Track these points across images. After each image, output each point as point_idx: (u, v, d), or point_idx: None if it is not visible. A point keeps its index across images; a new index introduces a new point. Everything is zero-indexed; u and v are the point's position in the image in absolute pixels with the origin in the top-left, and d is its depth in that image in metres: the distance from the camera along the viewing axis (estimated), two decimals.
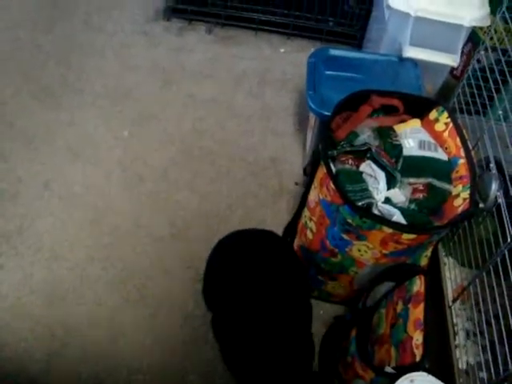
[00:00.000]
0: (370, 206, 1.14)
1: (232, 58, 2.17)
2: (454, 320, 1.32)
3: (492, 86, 1.40)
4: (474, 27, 1.60)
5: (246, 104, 1.99)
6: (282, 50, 2.23)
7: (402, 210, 1.15)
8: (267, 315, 1.12)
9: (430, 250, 1.30)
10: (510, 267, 1.06)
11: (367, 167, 1.21)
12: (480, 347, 1.25)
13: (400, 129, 1.31)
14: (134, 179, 1.73)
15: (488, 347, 1.19)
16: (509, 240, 1.06)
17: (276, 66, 2.15)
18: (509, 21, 1.34)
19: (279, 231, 1.47)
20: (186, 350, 1.40)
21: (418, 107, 1.34)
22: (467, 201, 1.14)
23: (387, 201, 1.17)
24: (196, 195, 1.71)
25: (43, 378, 1.35)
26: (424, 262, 1.32)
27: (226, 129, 1.90)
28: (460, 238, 1.36)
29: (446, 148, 1.28)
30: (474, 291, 1.25)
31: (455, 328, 1.31)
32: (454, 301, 1.33)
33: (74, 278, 1.51)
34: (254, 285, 1.22)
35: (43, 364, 1.37)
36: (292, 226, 1.47)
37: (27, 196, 1.66)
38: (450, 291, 1.37)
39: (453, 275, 1.40)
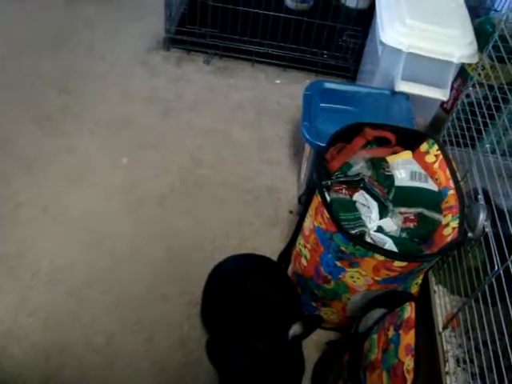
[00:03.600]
0: (362, 234, 1.18)
1: (229, 88, 2.22)
2: (445, 347, 1.34)
3: (480, 121, 1.46)
4: (463, 64, 1.66)
5: (242, 134, 2.04)
6: (278, 82, 2.29)
7: (394, 239, 1.19)
8: (260, 337, 1.15)
9: (421, 277, 1.33)
10: (497, 295, 1.09)
11: (360, 197, 1.25)
12: (470, 374, 1.28)
13: (392, 160, 1.36)
14: (132, 205, 1.76)
15: (477, 374, 1.22)
16: (496, 268, 1.10)
17: (272, 96, 2.21)
18: (494, 58, 1.40)
19: (273, 258, 1.50)
20: (181, 373, 1.42)
21: (409, 139, 1.39)
22: (456, 230, 1.18)
23: (379, 229, 1.21)
24: (192, 222, 1.74)
25: None
26: (415, 289, 1.35)
27: (223, 158, 1.94)
28: (450, 267, 1.40)
29: (436, 179, 1.32)
30: (463, 318, 1.28)
31: (446, 355, 1.33)
32: (444, 328, 1.36)
33: (70, 302, 1.52)
34: (249, 307, 1.25)
35: None
36: (287, 253, 1.50)
37: (26, 220, 1.68)
38: (440, 318, 1.40)
39: (443, 303, 1.43)
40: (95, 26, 2.42)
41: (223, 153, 1.96)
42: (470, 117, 1.50)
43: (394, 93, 1.68)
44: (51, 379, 1.39)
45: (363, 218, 1.21)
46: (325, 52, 2.29)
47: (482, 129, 1.45)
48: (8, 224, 1.67)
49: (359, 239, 1.15)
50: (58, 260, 1.60)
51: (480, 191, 1.30)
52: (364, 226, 1.19)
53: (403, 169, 1.32)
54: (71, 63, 2.23)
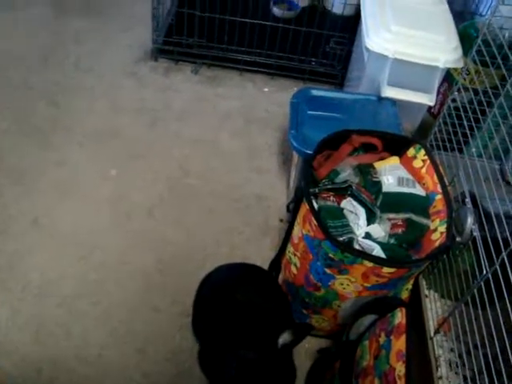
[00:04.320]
0: (351, 240, 1.18)
1: (217, 97, 2.23)
2: (436, 351, 1.34)
3: (466, 125, 1.47)
4: (449, 68, 1.67)
5: (231, 142, 2.04)
6: (266, 90, 2.30)
7: (382, 245, 1.19)
8: (251, 346, 1.15)
9: (411, 282, 1.33)
10: (486, 298, 1.10)
11: (348, 204, 1.25)
12: (462, 378, 1.28)
13: (379, 166, 1.36)
14: (122, 216, 1.76)
15: (469, 378, 1.22)
16: (484, 272, 1.10)
17: (260, 105, 2.21)
18: (478, 63, 1.41)
19: (265, 267, 1.50)
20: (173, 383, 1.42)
21: (396, 145, 1.39)
22: (444, 234, 1.19)
23: (367, 236, 1.21)
24: (182, 232, 1.74)
25: None
26: (405, 294, 1.35)
27: (212, 167, 1.94)
28: (440, 271, 1.40)
29: (424, 184, 1.33)
30: (454, 323, 1.28)
31: (438, 359, 1.33)
32: (436, 332, 1.36)
33: (61, 314, 1.51)
34: (239, 317, 1.24)
35: None
36: (277, 262, 1.50)
37: (16, 233, 1.68)
38: (431, 323, 1.40)
39: (434, 307, 1.43)
40: (83, 38, 2.42)
41: (212, 162, 1.96)
42: (456, 121, 1.51)
43: (380, 99, 1.69)
44: None
45: (351, 224, 1.22)
46: (312, 59, 2.30)
47: (468, 133, 1.46)
48: None
49: (347, 246, 1.15)
50: (49, 272, 1.60)
51: (467, 195, 1.31)
52: (352, 232, 1.19)
53: (390, 174, 1.33)
54: (60, 75, 2.23)
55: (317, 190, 1.27)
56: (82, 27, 2.48)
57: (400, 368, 1.08)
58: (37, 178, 1.84)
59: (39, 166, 1.88)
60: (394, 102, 1.68)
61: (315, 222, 1.17)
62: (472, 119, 1.44)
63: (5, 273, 1.58)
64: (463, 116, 1.45)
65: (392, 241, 1.23)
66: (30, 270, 1.60)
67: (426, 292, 1.47)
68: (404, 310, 1.18)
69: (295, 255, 1.34)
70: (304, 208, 1.24)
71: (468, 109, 1.44)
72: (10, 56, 2.29)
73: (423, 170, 1.35)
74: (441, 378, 1.31)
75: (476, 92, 1.44)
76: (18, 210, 1.74)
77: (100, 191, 1.82)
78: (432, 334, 1.37)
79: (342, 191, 1.28)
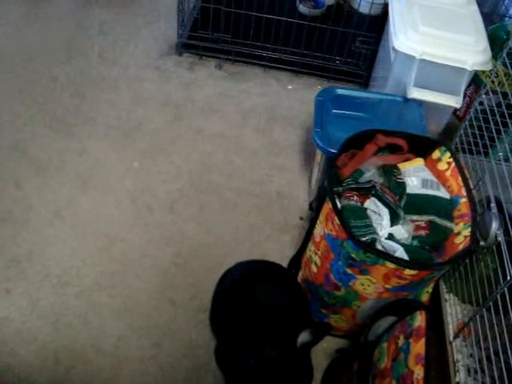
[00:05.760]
0: (373, 241, 1.17)
1: (241, 93, 2.22)
2: (455, 356, 1.33)
3: (493, 128, 1.44)
4: (477, 71, 1.65)
5: (253, 139, 2.04)
6: (290, 87, 2.29)
7: (405, 246, 1.17)
8: (269, 343, 1.14)
9: (432, 285, 1.32)
10: (509, 304, 1.08)
11: (371, 204, 1.24)
12: None
13: (404, 167, 1.35)
14: (143, 209, 1.77)
15: None
16: (508, 278, 1.09)
17: (283, 102, 2.21)
18: (508, 66, 1.38)
19: (284, 264, 1.49)
20: (188, 378, 1.42)
21: (421, 147, 1.38)
22: (468, 238, 1.17)
23: (390, 237, 1.20)
24: (202, 227, 1.74)
25: None
26: (425, 297, 1.34)
27: (234, 163, 1.94)
28: (461, 275, 1.38)
29: (449, 187, 1.31)
30: (474, 328, 1.26)
31: (456, 364, 1.32)
32: (455, 337, 1.35)
33: (80, 305, 1.53)
34: (258, 314, 1.24)
35: None
36: (297, 259, 1.50)
37: (38, 223, 1.69)
38: (451, 327, 1.38)
39: (454, 311, 1.41)
40: (108, 30, 2.44)
41: (234, 158, 1.96)
42: (483, 124, 1.48)
43: (406, 99, 1.67)
44: (60, 381, 1.39)
45: (374, 225, 1.21)
46: (337, 58, 2.29)
47: (495, 136, 1.44)
48: (20, 226, 1.68)
49: (370, 246, 1.14)
50: (69, 262, 1.61)
51: (493, 199, 1.29)
52: (375, 233, 1.18)
53: (415, 176, 1.31)
54: (85, 68, 2.24)
55: (340, 189, 1.26)
56: (107, 19, 2.50)
57: (418, 371, 1.07)
58: (59, 169, 1.85)
59: (61, 156, 1.89)
60: (420, 103, 1.66)
61: (338, 221, 1.16)
62: (499, 122, 1.42)
63: (25, 262, 1.60)
64: (490, 119, 1.43)
65: (415, 243, 1.21)
66: (49, 260, 1.61)
67: (446, 296, 1.46)
68: (424, 313, 1.16)
69: (316, 254, 1.33)
70: (327, 207, 1.24)
71: (496, 112, 1.42)
72: (34, 47, 2.31)
73: (448, 173, 1.33)
74: (458, 383, 1.29)
75: (505, 95, 1.41)
76: (40, 200, 1.75)
77: (122, 183, 1.83)
78: (451, 339, 1.36)
79: (366, 191, 1.27)
